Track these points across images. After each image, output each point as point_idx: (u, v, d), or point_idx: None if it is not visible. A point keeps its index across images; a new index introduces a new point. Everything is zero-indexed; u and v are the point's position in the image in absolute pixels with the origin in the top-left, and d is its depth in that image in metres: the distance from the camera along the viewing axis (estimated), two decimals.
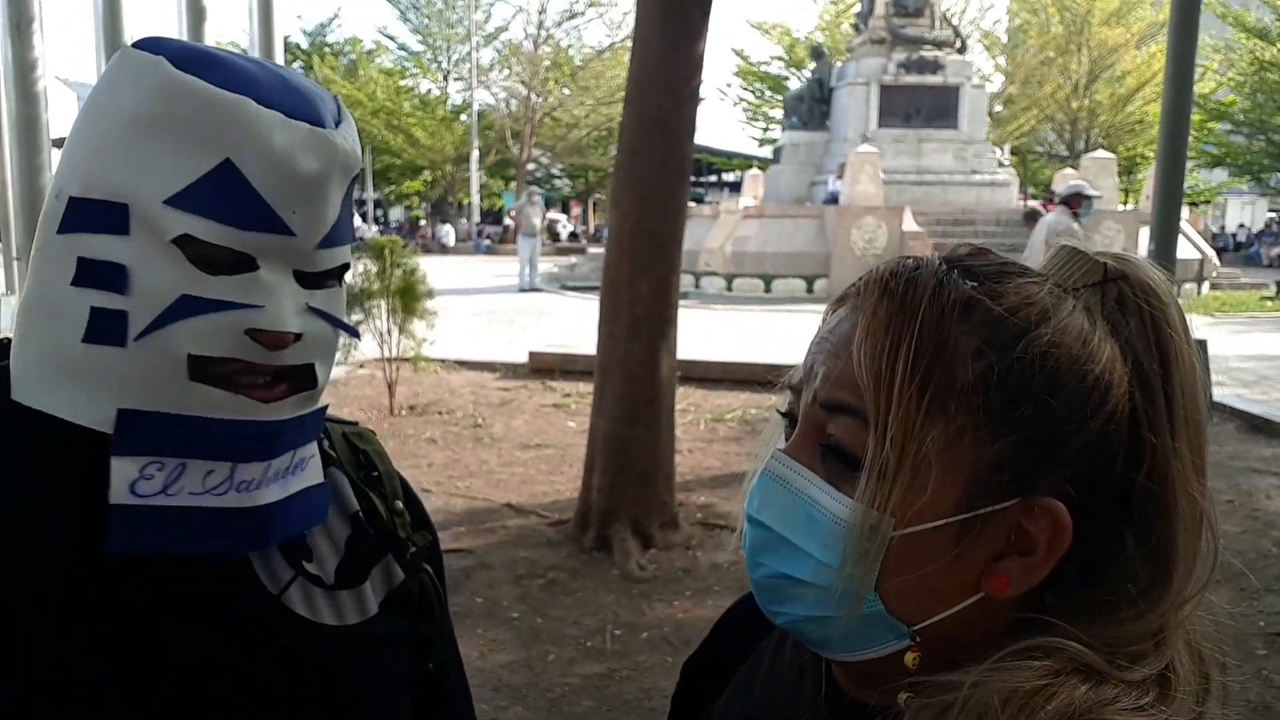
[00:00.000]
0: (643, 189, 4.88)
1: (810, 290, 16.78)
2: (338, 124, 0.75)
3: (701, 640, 0.86)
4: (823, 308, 0.67)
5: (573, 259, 24.15)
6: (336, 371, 8.60)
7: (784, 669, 0.74)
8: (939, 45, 20.42)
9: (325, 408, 0.81)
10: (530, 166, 37.44)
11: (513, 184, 37.63)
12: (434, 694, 0.92)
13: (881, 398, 0.57)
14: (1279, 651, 3.79)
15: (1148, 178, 19.78)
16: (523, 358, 9.70)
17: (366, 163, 36.16)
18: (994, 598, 0.59)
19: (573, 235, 37.14)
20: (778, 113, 31.67)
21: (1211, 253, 20.93)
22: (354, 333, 0.83)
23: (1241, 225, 37.38)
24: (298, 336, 0.73)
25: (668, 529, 4.91)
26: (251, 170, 0.70)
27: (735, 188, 30.58)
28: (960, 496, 0.58)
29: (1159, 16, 27.96)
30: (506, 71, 36.69)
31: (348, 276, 0.81)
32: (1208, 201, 37.05)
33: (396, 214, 45.82)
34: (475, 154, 34.37)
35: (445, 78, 39.78)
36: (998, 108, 30.88)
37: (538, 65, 34.73)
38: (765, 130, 38.62)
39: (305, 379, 0.77)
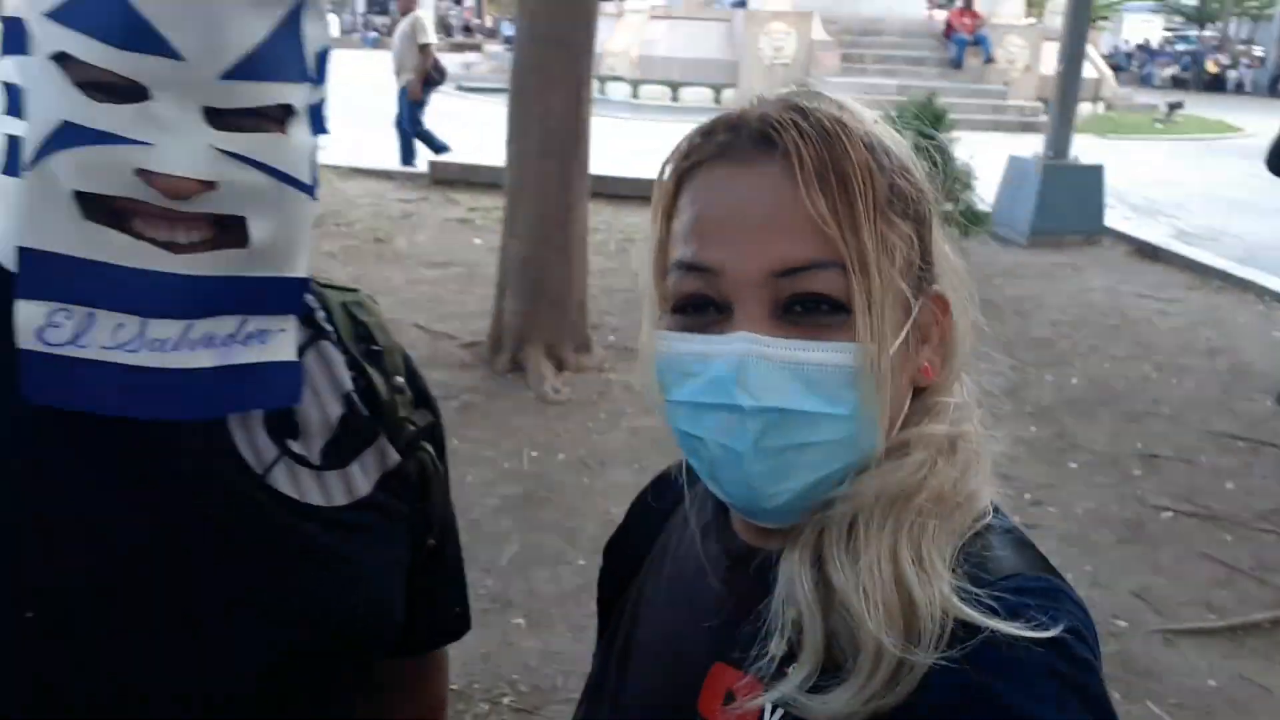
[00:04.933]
0: None
1: (718, 102, 16.39)
2: None
3: (618, 525, 0.90)
4: None
5: (469, 56, 22.98)
6: None
7: (689, 542, 0.76)
8: None
9: (302, 280, 0.75)
10: None
11: None
12: (432, 566, 0.91)
13: (849, 235, 0.59)
14: (1154, 472, 4.09)
15: None
16: (422, 167, 9.31)
17: None
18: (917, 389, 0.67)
19: (466, 29, 35.14)
20: None
21: (1109, 72, 21.19)
22: (306, 188, 0.74)
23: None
24: (208, 184, 0.66)
25: (581, 352, 4.91)
26: None
27: None
28: (907, 300, 0.63)
29: None
30: None
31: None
32: (1105, 18, 37.13)
33: None
34: None
35: None
36: None
37: None
38: None
39: (232, 234, 0.69)
